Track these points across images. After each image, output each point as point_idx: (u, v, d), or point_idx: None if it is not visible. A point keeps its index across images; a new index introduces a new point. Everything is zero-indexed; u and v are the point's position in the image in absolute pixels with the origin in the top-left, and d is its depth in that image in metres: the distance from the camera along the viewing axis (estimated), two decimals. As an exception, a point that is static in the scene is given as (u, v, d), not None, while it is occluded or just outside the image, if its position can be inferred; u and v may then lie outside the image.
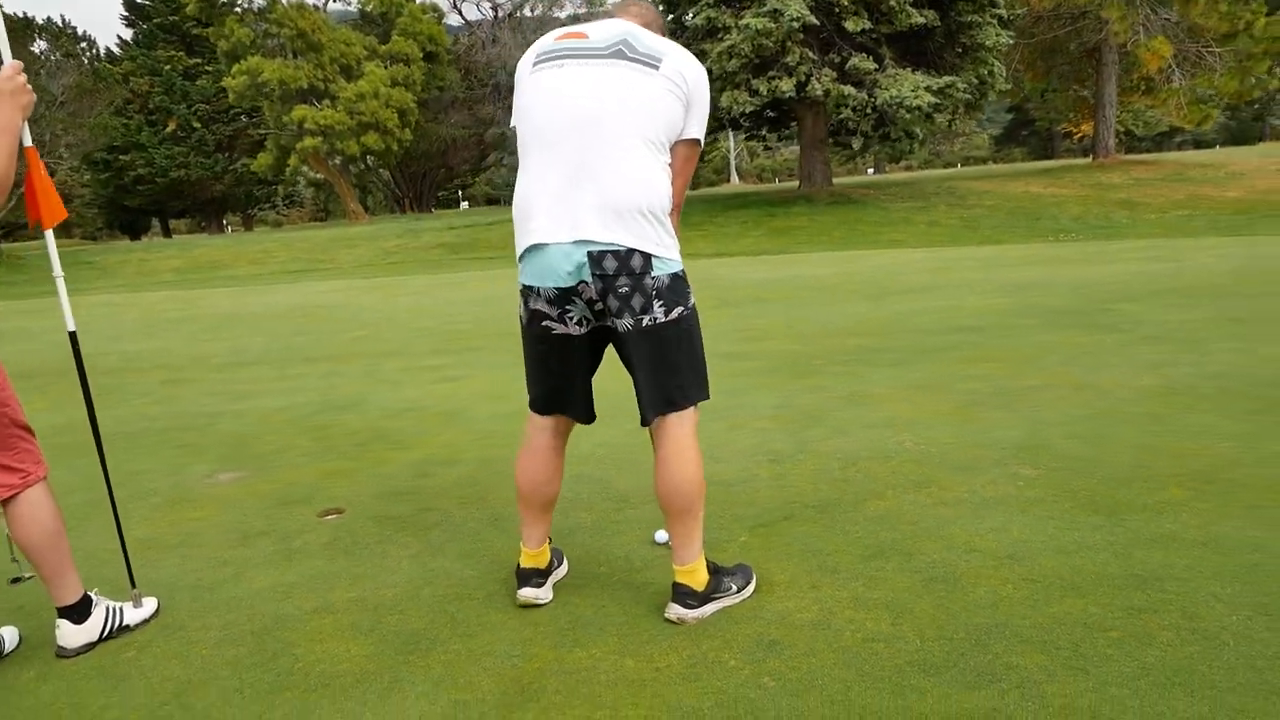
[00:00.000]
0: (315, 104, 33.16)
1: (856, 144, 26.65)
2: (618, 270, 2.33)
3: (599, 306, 2.40)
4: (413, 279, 15.80)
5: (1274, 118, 60.29)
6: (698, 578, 2.54)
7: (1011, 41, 26.97)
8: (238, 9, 35.18)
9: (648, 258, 2.36)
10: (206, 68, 40.92)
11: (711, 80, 26.06)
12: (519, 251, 2.47)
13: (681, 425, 2.52)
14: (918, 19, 23.66)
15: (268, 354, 7.90)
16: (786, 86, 23.23)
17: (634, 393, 2.55)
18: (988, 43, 25.63)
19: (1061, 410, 4.33)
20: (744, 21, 22.69)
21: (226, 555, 3.25)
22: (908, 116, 24.15)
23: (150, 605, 2.78)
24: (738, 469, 3.80)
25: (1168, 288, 8.16)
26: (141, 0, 45.04)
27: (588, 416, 2.64)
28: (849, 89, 23.86)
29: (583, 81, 2.39)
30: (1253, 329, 5.95)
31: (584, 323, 2.45)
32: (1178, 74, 30.68)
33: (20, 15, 30.50)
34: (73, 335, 2.70)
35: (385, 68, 34.16)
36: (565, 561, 2.90)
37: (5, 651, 2.59)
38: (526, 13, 45.08)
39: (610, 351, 2.63)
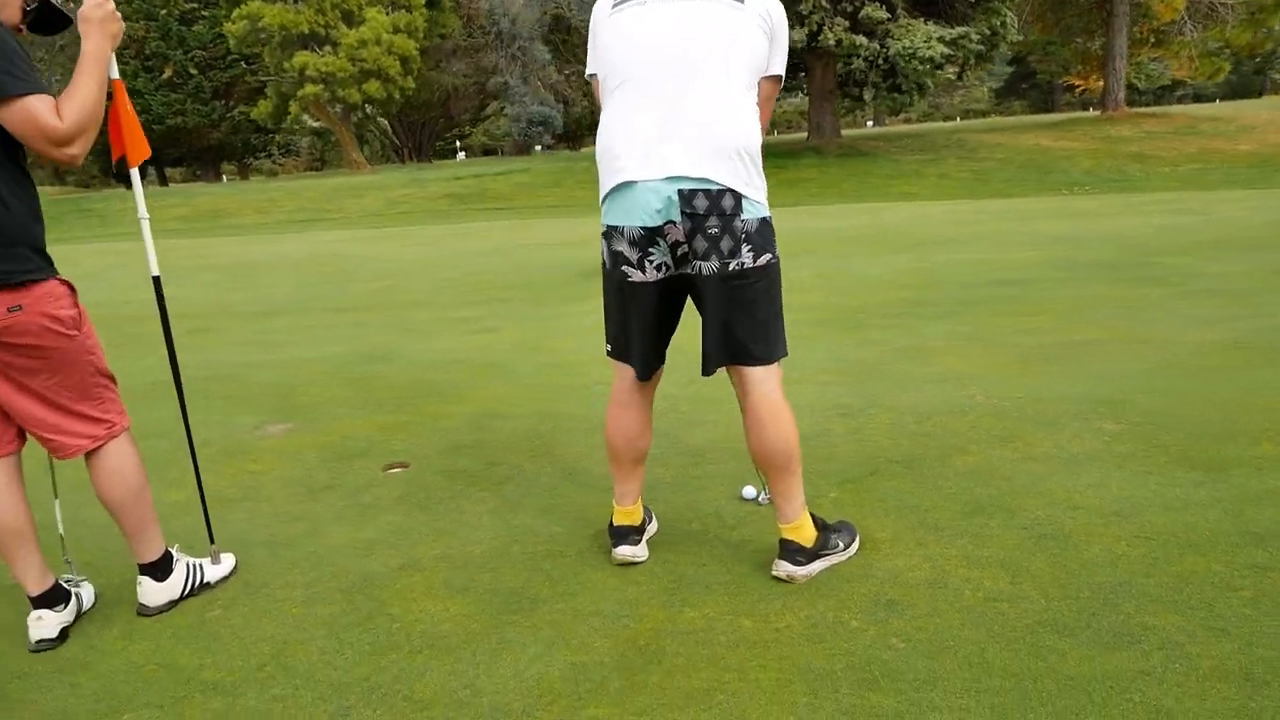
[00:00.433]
0: (316, 50, 32.49)
1: (868, 95, 26.25)
2: (708, 210, 2.22)
3: (683, 250, 2.29)
4: (423, 229, 15.60)
5: (1275, 72, 59.58)
6: (805, 533, 2.46)
7: (1027, -10, 26.45)
8: (235, -49, 34.36)
9: (739, 198, 2.25)
10: (204, 13, 40.04)
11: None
12: (605, 190, 2.35)
13: (769, 381, 2.41)
14: (932, -34, 23.19)
15: (292, 303, 7.76)
16: (799, 36, 22.78)
17: (700, 340, 2.43)
18: (1002, -9, 25.16)
19: (1125, 364, 4.24)
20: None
21: (296, 510, 3.16)
22: (920, 68, 23.77)
23: (229, 562, 2.70)
24: (810, 423, 3.70)
25: (1203, 240, 8.03)
26: (135, -58, 43.96)
27: (654, 367, 2.53)
28: (861, 39, 23.46)
29: (670, 19, 2.27)
30: (1305, 283, 5.85)
31: (663, 268, 2.34)
32: (1190, 26, 30.22)
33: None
34: (156, 280, 2.58)
35: (387, 14, 33.41)
36: (654, 518, 2.82)
37: (84, 609, 2.51)
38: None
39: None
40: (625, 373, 2.55)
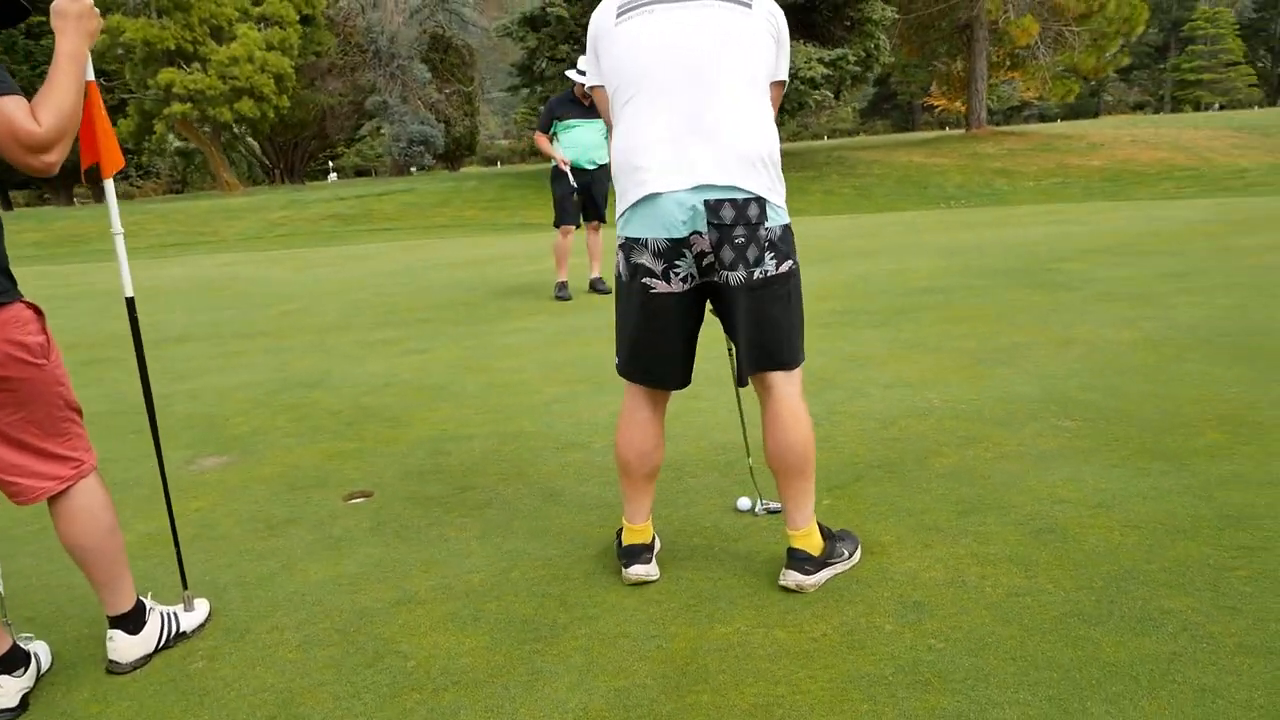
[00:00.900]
0: (184, 67, 30.99)
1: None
2: (735, 219, 2.20)
3: (708, 260, 2.26)
4: (313, 251, 15.03)
5: (1107, 94, 64.12)
6: (813, 541, 2.45)
7: (896, 15, 27.68)
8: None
9: (764, 206, 2.24)
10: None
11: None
12: (628, 203, 2.30)
13: (791, 384, 2.41)
14: (808, -10, 23.97)
15: (192, 330, 7.33)
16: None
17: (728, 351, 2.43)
18: (874, 16, 26.23)
19: (1062, 365, 4.43)
20: (640, -12, 22.44)
21: (259, 547, 2.96)
22: (801, 88, 24.48)
23: (203, 608, 2.50)
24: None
25: (1093, 248, 8.52)
26: (-30, -47, 40.90)
27: (684, 382, 2.48)
28: (743, 58, 23.97)
29: (683, 25, 2.25)
30: (1195, 282, 6.26)
31: (688, 279, 2.30)
32: (1042, 50, 32.21)
33: None
34: (130, 302, 2.37)
35: (260, 30, 32.17)
36: (657, 536, 2.76)
37: (43, 670, 2.27)
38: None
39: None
40: (634, 389, 2.49)
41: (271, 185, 42.36)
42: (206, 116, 31.65)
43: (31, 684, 2.18)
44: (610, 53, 2.34)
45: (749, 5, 2.28)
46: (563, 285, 7.73)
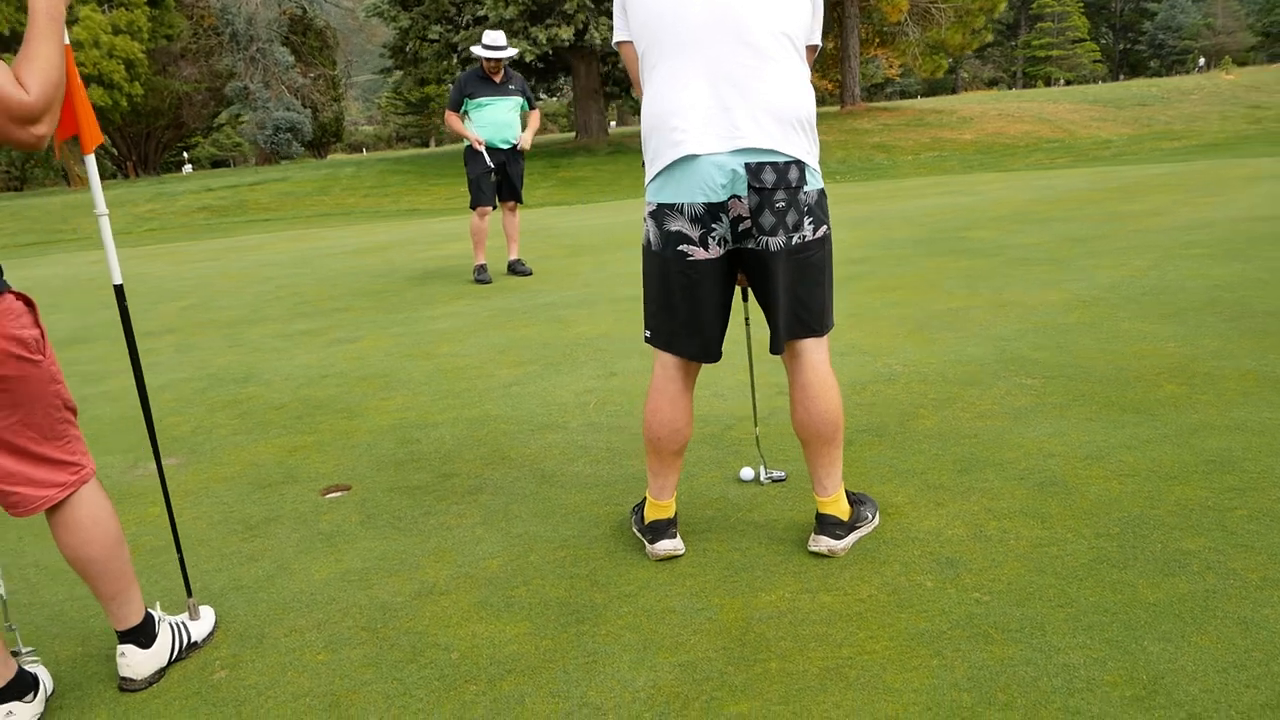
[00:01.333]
0: (19, 52, 28.66)
1: (636, 92, 26.82)
2: (776, 183, 2.18)
3: (744, 225, 2.22)
4: (193, 245, 14.22)
5: (964, 72, 67.08)
6: (842, 507, 2.47)
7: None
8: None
9: (803, 170, 2.22)
10: None
11: (490, 29, 25.17)
12: (660, 165, 2.23)
13: (821, 351, 2.42)
14: (687, -31, 24.07)
15: (86, 331, 6.82)
16: (566, 34, 22.95)
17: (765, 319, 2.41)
18: (751, -6, 26.57)
19: (1006, 327, 4.60)
20: (521, -33, 22.11)
21: (245, 549, 2.78)
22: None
23: (209, 615, 2.33)
24: (750, 404, 3.72)
25: (993, 216, 8.88)
26: None
27: (718, 354, 2.44)
28: (627, 38, 23.94)
29: None
30: (1099, 246, 6.61)
31: (723, 243, 2.26)
32: (911, 26, 33.36)
33: None
34: (119, 290, 2.17)
35: (104, 13, 30.09)
36: (673, 510, 2.72)
37: (49, 693, 2.07)
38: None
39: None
40: (667, 360, 2.43)
41: (127, 180, 39.86)
42: (53, 103, 29.41)
43: (42, 709, 1.99)
44: (642, 9, 2.27)
45: None
46: (482, 268, 7.55)
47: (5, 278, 1.84)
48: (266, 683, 2.07)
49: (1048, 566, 2.27)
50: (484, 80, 7.27)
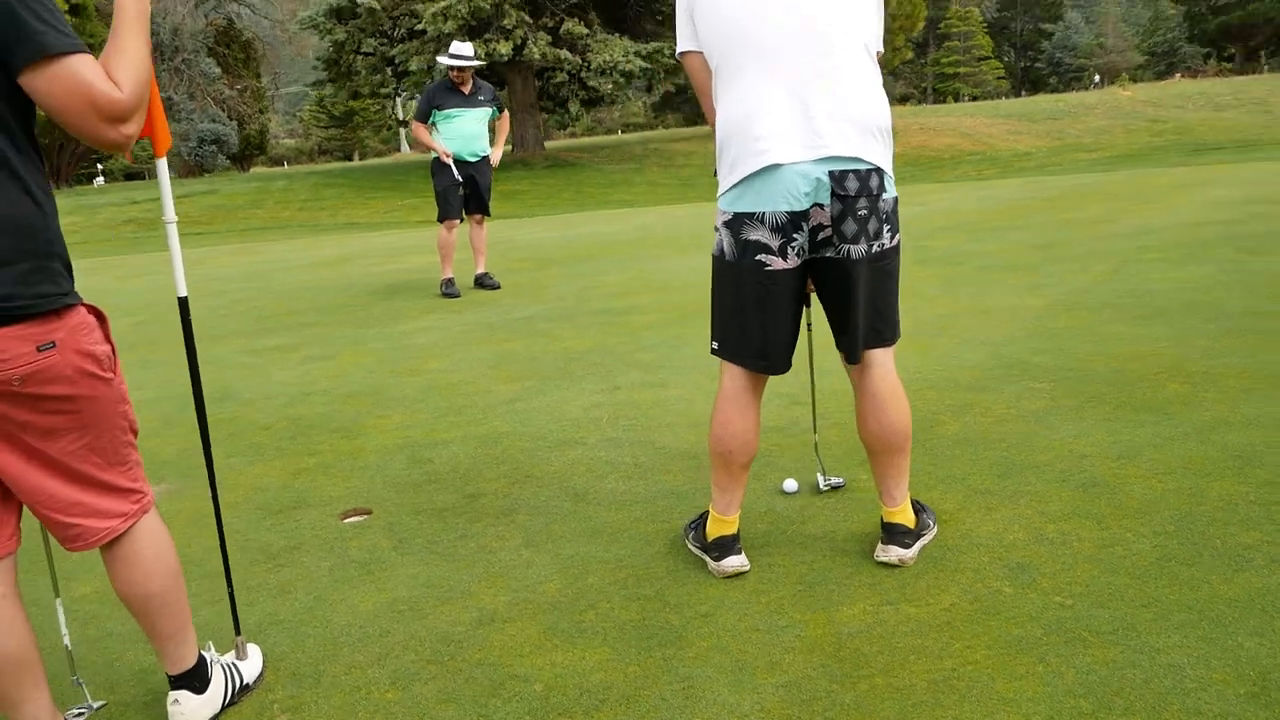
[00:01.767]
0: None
1: (574, 108, 26.79)
2: (859, 191, 2.15)
3: (824, 234, 2.19)
4: (126, 259, 13.62)
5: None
6: (909, 516, 2.45)
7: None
8: None
9: (882, 177, 2.21)
10: None
11: (427, 43, 24.81)
12: (741, 174, 2.19)
13: (890, 360, 2.41)
14: (622, -17, 24.18)
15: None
16: (504, 49, 22.77)
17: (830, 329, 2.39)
18: (684, 8, 26.78)
19: (996, 332, 4.67)
20: (456, -20, 21.88)
21: (272, 581, 2.63)
22: (622, 80, 24.70)
23: (256, 655, 2.19)
24: (771, 414, 3.69)
25: (947, 226, 9.07)
26: None
27: (788, 365, 2.40)
28: (564, 53, 23.90)
29: None
30: (1061, 253, 6.79)
31: (801, 253, 2.23)
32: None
33: None
34: (183, 303, 2.03)
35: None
36: (723, 523, 2.67)
37: (97, 746, 1.92)
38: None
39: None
40: (736, 372, 2.37)
41: (37, 192, 38.11)
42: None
43: None
44: (712, 17, 2.23)
45: None
46: (449, 282, 7.40)
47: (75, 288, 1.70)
48: (341, 723, 1.95)
49: (1118, 566, 2.28)
50: (452, 91, 7.14)
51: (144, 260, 13.04)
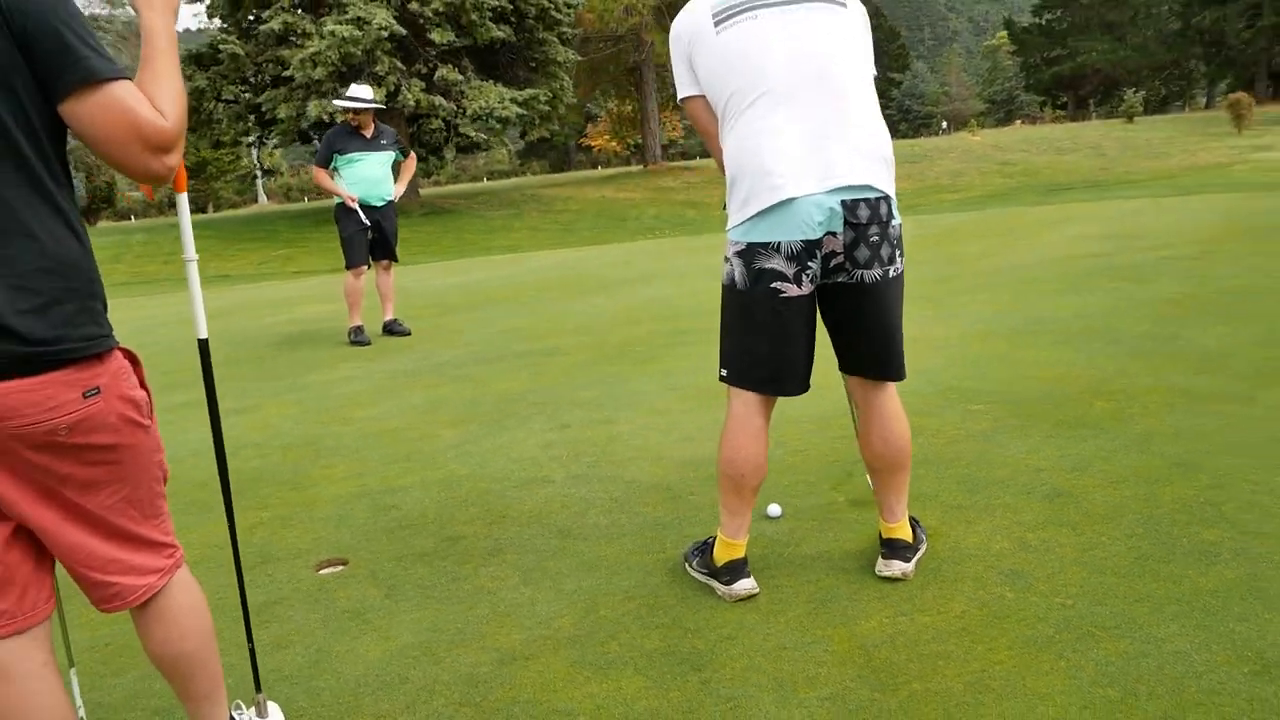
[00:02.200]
0: None
1: (449, 154, 26.66)
2: (870, 218, 2.27)
3: (836, 260, 2.30)
4: None
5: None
6: (907, 531, 2.56)
7: (578, 58, 28.91)
8: None
9: (890, 205, 2.33)
10: None
11: (295, 90, 24.24)
12: (756, 209, 2.27)
13: (893, 384, 2.52)
14: (496, 33, 24.39)
15: None
16: (378, 97, 22.49)
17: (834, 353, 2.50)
18: (558, 58, 27.23)
19: (922, 360, 4.87)
20: (328, 29, 21.58)
21: (265, 636, 2.51)
22: (498, 127, 24.80)
23: (277, 712, 2.09)
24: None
25: (839, 263, 9.46)
26: None
27: (806, 386, 2.48)
28: (439, 99, 23.84)
29: (795, 28, 2.29)
30: (959, 285, 7.20)
31: (814, 280, 2.33)
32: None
33: None
34: (203, 345, 1.93)
35: None
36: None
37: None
38: None
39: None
40: (747, 397, 2.44)
41: None
42: None
43: None
44: (713, 61, 2.31)
45: (844, 4, 2.35)
46: (358, 329, 7.22)
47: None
48: (386, 774, 1.88)
49: (1103, 567, 2.44)
50: (353, 135, 7.04)
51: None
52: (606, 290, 9.16)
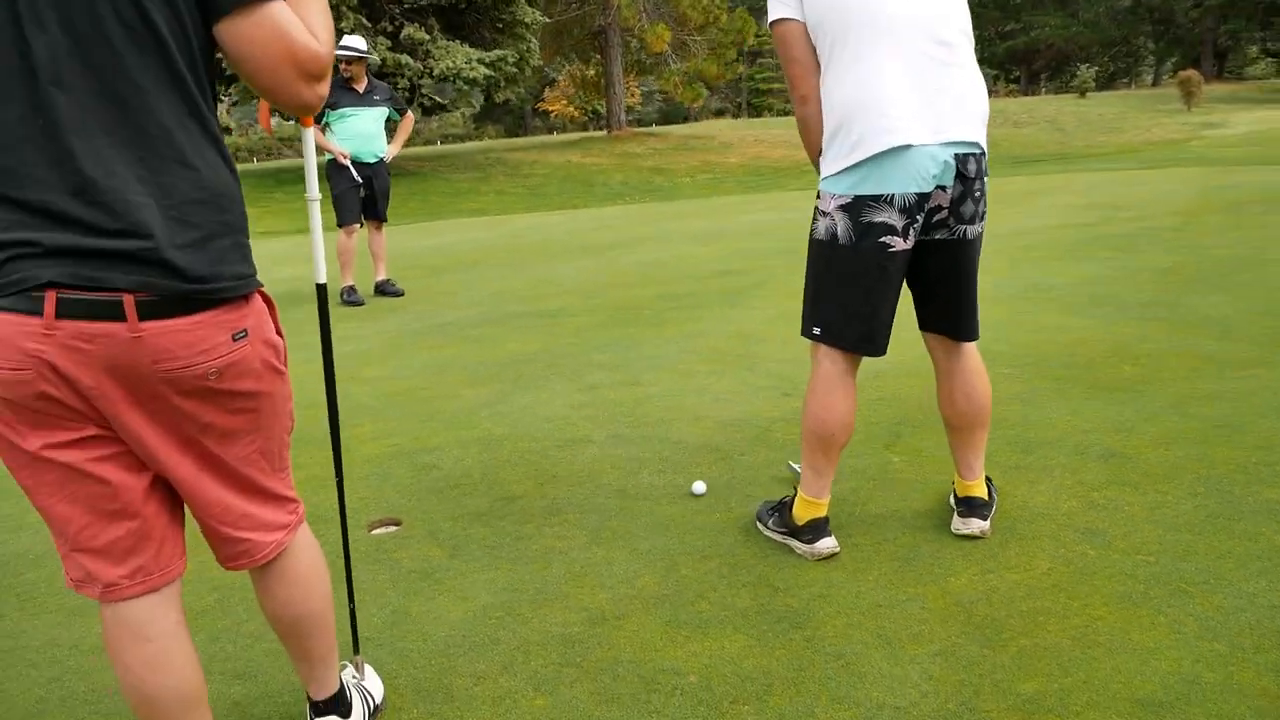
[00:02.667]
0: None
1: (415, 115, 26.06)
2: (977, 173, 2.26)
3: (940, 216, 2.27)
4: None
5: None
6: (984, 488, 2.57)
7: (545, 19, 28.41)
8: None
9: (985, 163, 2.31)
10: None
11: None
12: (866, 153, 2.20)
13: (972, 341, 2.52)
14: (462, -9, 23.85)
15: None
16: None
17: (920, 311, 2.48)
18: (525, 19, 26.73)
19: (933, 324, 4.93)
20: (288, -22, 20.89)
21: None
22: (465, 88, 24.33)
23: (373, 674, 2.04)
24: (767, 406, 3.76)
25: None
26: None
27: (886, 346, 2.45)
28: (405, 58, 23.30)
29: None
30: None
31: (916, 234, 2.29)
32: (673, 57, 34.90)
33: None
34: (321, 290, 1.85)
35: None
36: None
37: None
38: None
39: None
40: (837, 355, 2.41)
41: None
42: None
43: None
44: None
45: None
46: (351, 289, 7.06)
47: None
48: (503, 734, 1.84)
49: (1177, 525, 2.47)
50: (345, 89, 6.84)
51: None
52: (591, 254, 9.07)
